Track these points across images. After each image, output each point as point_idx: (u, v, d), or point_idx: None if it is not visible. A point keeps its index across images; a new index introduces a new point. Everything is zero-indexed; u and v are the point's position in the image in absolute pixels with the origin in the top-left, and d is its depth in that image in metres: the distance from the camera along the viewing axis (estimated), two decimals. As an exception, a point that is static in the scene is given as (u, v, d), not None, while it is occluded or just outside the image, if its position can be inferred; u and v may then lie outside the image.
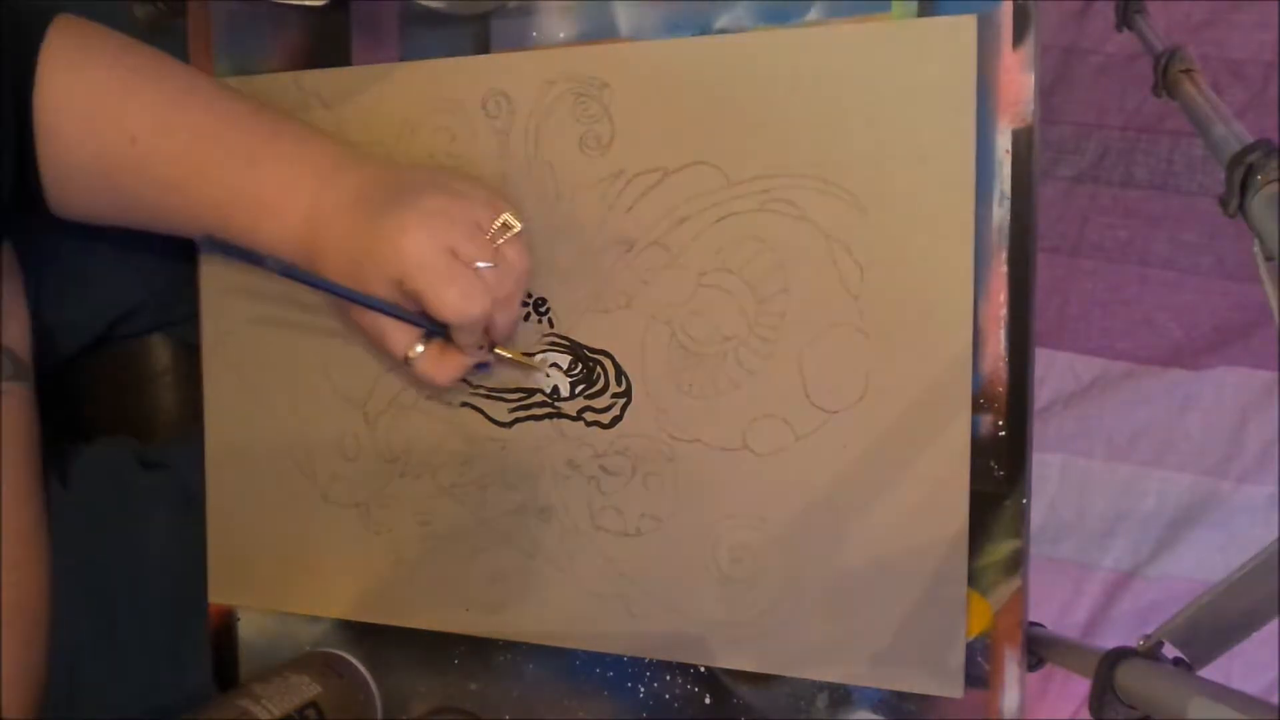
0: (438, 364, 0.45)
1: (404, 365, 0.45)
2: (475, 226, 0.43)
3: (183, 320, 0.57)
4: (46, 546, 0.50)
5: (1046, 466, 1.04)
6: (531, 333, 0.48)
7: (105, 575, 0.53)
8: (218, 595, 0.55)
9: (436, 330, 0.44)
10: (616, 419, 0.47)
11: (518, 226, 0.44)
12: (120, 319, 0.57)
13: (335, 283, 0.42)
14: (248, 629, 0.55)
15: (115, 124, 0.43)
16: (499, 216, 0.43)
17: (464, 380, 0.49)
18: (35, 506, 0.50)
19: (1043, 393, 1.05)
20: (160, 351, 0.61)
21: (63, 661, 0.49)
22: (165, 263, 0.57)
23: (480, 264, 0.42)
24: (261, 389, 0.54)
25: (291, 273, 0.41)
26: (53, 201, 0.45)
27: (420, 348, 0.45)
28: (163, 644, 0.53)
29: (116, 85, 0.43)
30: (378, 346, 0.46)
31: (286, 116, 0.47)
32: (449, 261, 0.41)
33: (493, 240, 0.43)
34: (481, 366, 0.47)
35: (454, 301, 0.41)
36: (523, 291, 0.46)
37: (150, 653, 0.53)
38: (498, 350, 0.47)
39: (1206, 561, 1.01)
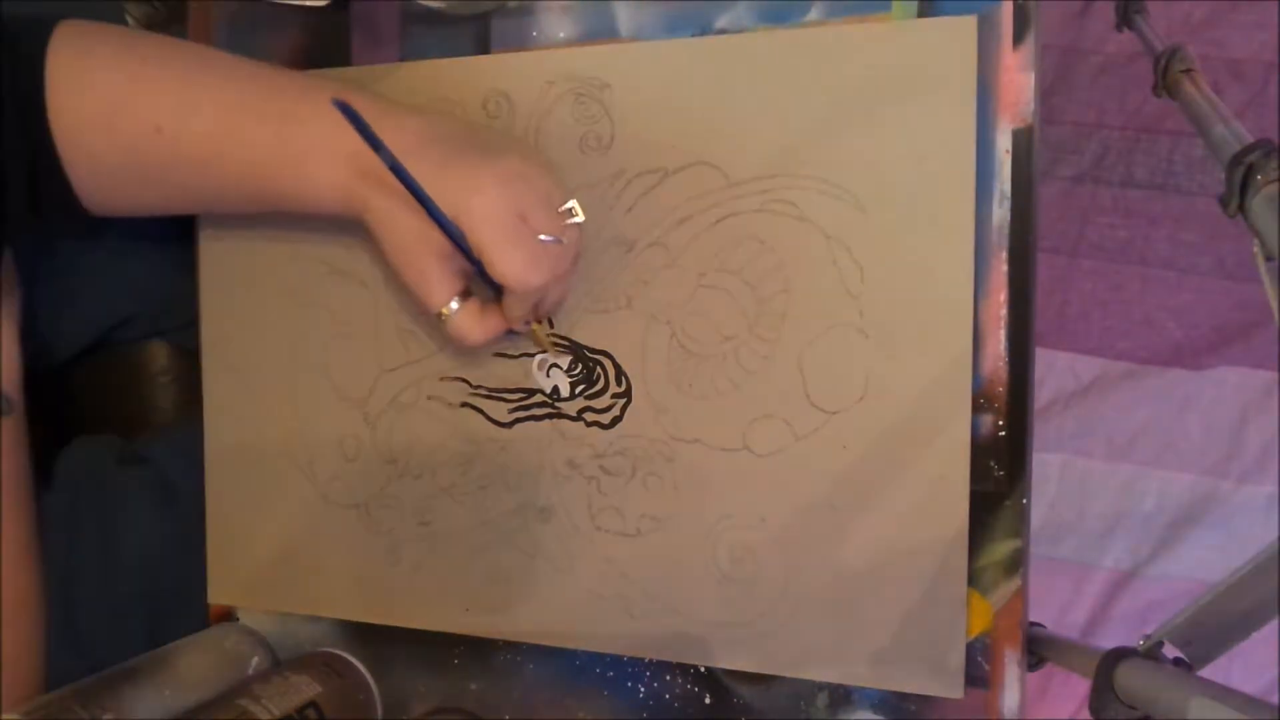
0: (475, 323, 0.44)
1: (436, 319, 0.44)
2: (548, 199, 0.42)
3: (180, 327, 0.58)
4: (38, 553, 0.52)
5: (1046, 466, 1.04)
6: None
7: (81, 570, 0.53)
8: (218, 595, 0.55)
9: (490, 287, 0.43)
10: (616, 419, 0.47)
11: (581, 216, 0.44)
12: (114, 328, 0.57)
13: (428, 198, 0.39)
14: (248, 629, 0.55)
15: (135, 118, 0.42)
16: (568, 200, 0.43)
17: (463, 380, 0.49)
18: (27, 520, 0.51)
19: (1043, 393, 1.05)
20: (157, 355, 0.61)
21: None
22: (158, 275, 0.57)
23: (546, 237, 0.41)
24: (261, 389, 0.54)
25: (398, 170, 0.38)
26: (90, 203, 0.44)
27: (456, 304, 0.44)
28: (139, 636, 0.53)
29: (126, 80, 0.43)
30: (415, 296, 0.44)
31: (320, 77, 0.46)
32: (518, 225, 0.41)
33: (561, 217, 0.43)
34: (512, 334, 0.46)
35: (519, 266, 0.41)
36: (574, 275, 0.46)
37: (125, 646, 0.53)
38: (535, 326, 0.47)
39: (1206, 561, 1.01)
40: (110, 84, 0.43)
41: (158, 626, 0.54)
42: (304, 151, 0.43)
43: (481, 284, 0.43)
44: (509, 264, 0.41)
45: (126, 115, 0.42)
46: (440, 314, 0.44)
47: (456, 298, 0.44)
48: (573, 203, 0.43)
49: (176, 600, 0.55)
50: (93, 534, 0.54)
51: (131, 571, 0.54)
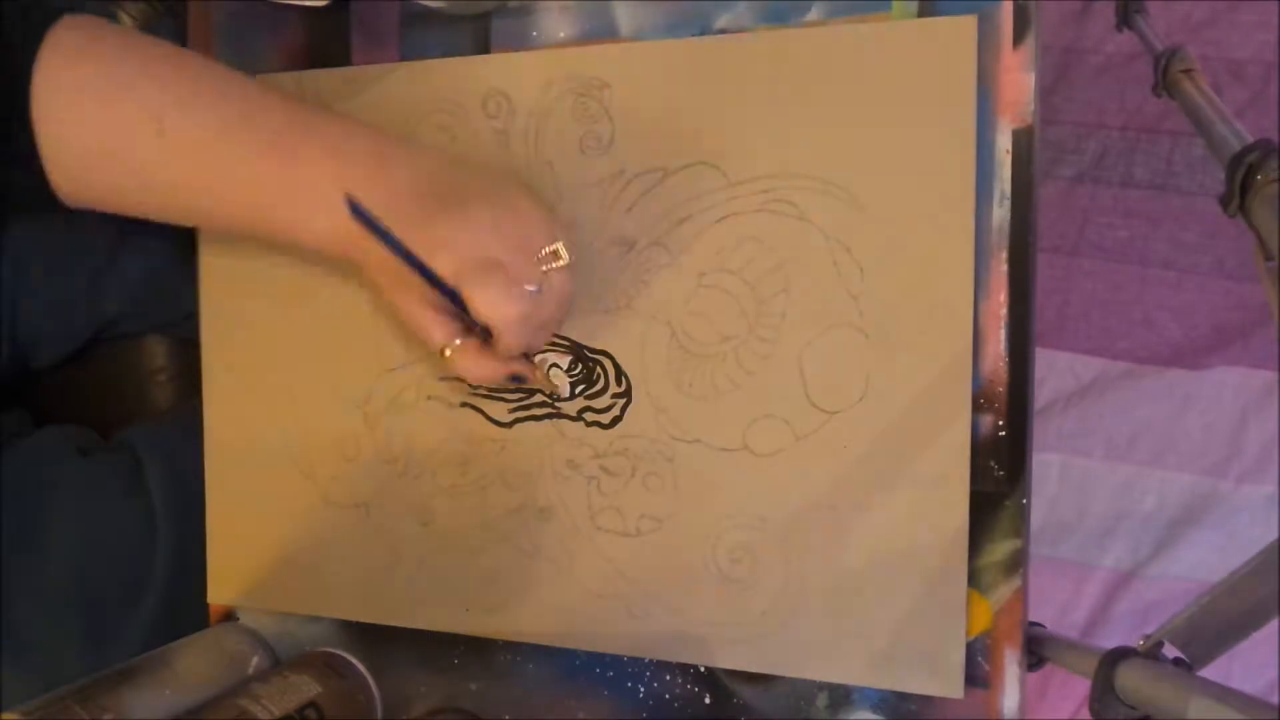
0: (473, 362, 0.44)
1: (440, 357, 0.44)
2: (523, 247, 0.42)
3: (179, 320, 0.58)
4: None
5: (1046, 466, 1.04)
6: (531, 333, 0.48)
7: (14, 559, 0.53)
8: (218, 595, 0.55)
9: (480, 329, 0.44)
10: (616, 419, 0.47)
11: (566, 259, 0.43)
12: (102, 328, 0.57)
13: (423, 265, 0.40)
14: (248, 629, 0.55)
15: (139, 107, 0.40)
16: (552, 243, 0.42)
17: (463, 379, 0.49)
18: None
19: (1043, 393, 1.05)
20: (155, 352, 0.61)
21: None
22: (144, 273, 0.57)
23: (530, 287, 0.41)
24: (261, 389, 0.54)
25: (398, 248, 0.39)
26: (66, 193, 0.42)
27: (459, 341, 0.44)
28: (75, 628, 0.53)
29: (136, 69, 0.41)
30: (418, 335, 0.44)
31: (322, 108, 0.45)
32: (489, 269, 0.40)
33: (540, 264, 0.42)
34: (515, 378, 0.46)
35: (493, 307, 0.40)
36: (563, 317, 0.45)
37: (58, 635, 0.53)
38: (535, 371, 0.47)
39: (1206, 561, 1.01)
40: (113, 72, 0.40)
41: (98, 620, 0.54)
42: (302, 196, 0.41)
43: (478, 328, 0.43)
44: (484, 305, 0.40)
45: (128, 102, 0.40)
46: (442, 353, 0.44)
47: (459, 336, 0.44)
48: (558, 244, 0.42)
49: (125, 592, 0.55)
50: (36, 523, 0.54)
51: (68, 565, 0.54)
